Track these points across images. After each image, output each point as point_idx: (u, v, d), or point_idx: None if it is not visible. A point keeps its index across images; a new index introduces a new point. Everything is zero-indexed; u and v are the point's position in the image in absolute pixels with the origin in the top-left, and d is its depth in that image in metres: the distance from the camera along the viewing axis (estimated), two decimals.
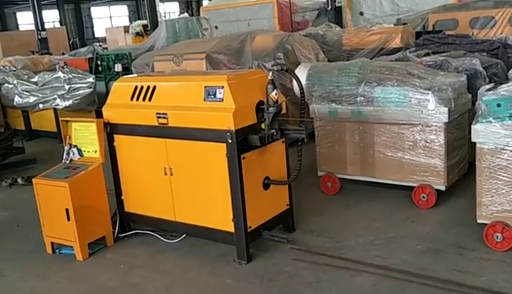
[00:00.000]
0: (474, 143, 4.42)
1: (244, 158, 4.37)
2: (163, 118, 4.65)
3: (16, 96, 10.15)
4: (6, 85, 10.40)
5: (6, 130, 8.73)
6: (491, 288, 3.84)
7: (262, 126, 4.45)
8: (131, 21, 32.52)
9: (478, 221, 4.51)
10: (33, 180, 5.08)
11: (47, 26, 24.01)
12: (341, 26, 14.85)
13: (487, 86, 4.54)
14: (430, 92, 5.16)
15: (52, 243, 5.07)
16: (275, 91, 4.38)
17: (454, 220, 5.04)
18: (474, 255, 4.37)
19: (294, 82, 4.91)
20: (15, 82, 10.26)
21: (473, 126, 4.39)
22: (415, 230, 4.94)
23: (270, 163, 4.71)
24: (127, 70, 11.09)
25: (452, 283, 3.94)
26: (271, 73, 4.44)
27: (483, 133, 4.31)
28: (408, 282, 4.03)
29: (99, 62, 12.13)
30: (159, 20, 19.01)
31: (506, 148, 4.25)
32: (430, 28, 11.28)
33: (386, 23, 12.89)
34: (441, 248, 4.53)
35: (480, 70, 5.95)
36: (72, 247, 4.92)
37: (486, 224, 4.44)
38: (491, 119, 4.27)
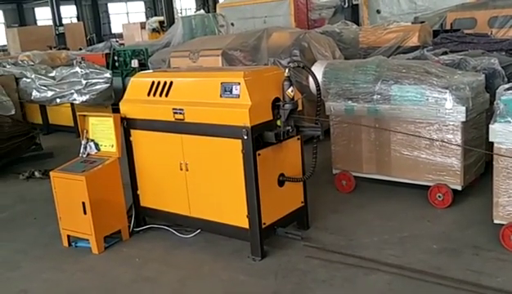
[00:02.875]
0: (492, 143, 4.38)
1: (259, 154, 4.38)
2: (180, 113, 4.68)
3: (34, 91, 10.28)
4: (24, 79, 10.53)
5: (25, 123, 8.77)
6: (508, 289, 3.81)
7: (278, 122, 4.45)
8: (147, 17, 32.62)
9: (495, 222, 4.47)
10: (51, 173, 5.13)
11: (64, 22, 24.25)
12: (358, 24, 14.75)
13: (506, 86, 4.49)
14: (448, 91, 5.12)
15: (69, 236, 5.12)
16: (291, 87, 4.38)
17: (470, 220, 5.00)
18: (490, 255, 4.33)
19: (310, 79, 4.90)
20: (33, 76, 10.39)
21: (490, 126, 4.35)
22: (431, 230, 4.91)
23: (285, 160, 4.71)
24: (143, 66, 11.15)
25: (468, 284, 3.91)
26: (287, 70, 4.43)
27: (501, 133, 4.27)
28: (423, 282, 4.01)
29: (116, 58, 12.21)
30: (176, 16, 19.09)
31: None
32: (448, 27, 11.16)
33: (403, 21, 12.77)
34: (456, 248, 4.49)
35: (499, 69, 5.89)
36: (88, 240, 4.97)
37: (502, 225, 4.40)
38: (509, 119, 4.23)
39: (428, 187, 5.40)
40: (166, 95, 4.81)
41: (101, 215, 4.90)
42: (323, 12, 17.91)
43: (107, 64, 12.16)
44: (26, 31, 23.85)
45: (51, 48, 17.97)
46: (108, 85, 9.68)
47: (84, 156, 5.12)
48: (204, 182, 4.72)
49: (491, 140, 4.38)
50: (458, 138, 5.16)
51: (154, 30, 20.30)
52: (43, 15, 35.55)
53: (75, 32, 24.72)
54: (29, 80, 10.44)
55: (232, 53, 8.56)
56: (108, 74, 9.81)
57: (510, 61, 6.33)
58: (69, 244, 5.13)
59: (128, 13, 41.11)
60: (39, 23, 35.57)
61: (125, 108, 5.12)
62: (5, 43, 26.13)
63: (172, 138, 4.80)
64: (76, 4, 35.24)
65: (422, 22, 11.16)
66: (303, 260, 4.47)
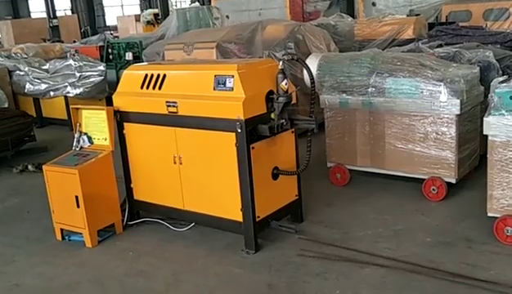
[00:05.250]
0: (486, 136, 4.38)
1: (253, 147, 4.36)
2: (173, 106, 4.65)
3: (28, 83, 10.21)
4: (17, 72, 10.47)
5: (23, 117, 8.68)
6: (501, 282, 3.82)
7: (272, 116, 4.43)
8: (142, 10, 32.47)
9: (489, 215, 4.47)
10: (44, 166, 5.10)
11: (58, 14, 24.14)
12: (353, 16, 14.73)
13: (500, 79, 4.50)
14: (442, 84, 5.12)
15: (62, 230, 5.10)
16: (285, 80, 4.36)
17: (464, 213, 5.01)
18: (484, 248, 4.34)
19: (305, 72, 4.88)
20: (26, 69, 10.32)
21: (485, 119, 4.35)
22: (425, 223, 4.92)
23: (279, 153, 4.70)
24: (137, 59, 11.09)
25: (461, 276, 3.92)
26: (281, 63, 4.41)
27: (495, 126, 4.27)
28: (417, 275, 4.01)
29: (110, 50, 12.12)
30: (170, 8, 19.02)
31: None
32: (443, 20, 11.18)
33: (399, 14, 12.78)
34: (450, 241, 4.50)
35: (493, 62, 5.89)
36: (81, 233, 4.95)
37: (496, 218, 4.41)
38: (503, 112, 4.23)
39: (422, 180, 5.40)
40: (159, 87, 4.78)
41: (95, 208, 4.88)
42: (318, 5, 17.88)
43: (101, 57, 12.08)
44: (20, 23, 23.64)
45: (44, 41, 17.88)
46: (102, 78, 9.62)
47: (77, 149, 5.09)
48: (198, 175, 4.70)
49: (485, 132, 4.37)
50: (452, 131, 5.15)
51: (148, 23, 20.23)
52: (37, 8, 35.37)
53: (69, 24, 24.60)
54: (22, 73, 10.37)
55: (227, 46, 8.52)
56: (102, 67, 9.75)
57: (505, 54, 6.34)
58: (63, 238, 5.11)
59: (122, 5, 40.87)
60: (33, 15, 35.37)
61: (118, 101, 5.09)
62: None
63: (166, 131, 4.77)
64: None
65: (417, 15, 11.18)
66: (298, 254, 4.46)
